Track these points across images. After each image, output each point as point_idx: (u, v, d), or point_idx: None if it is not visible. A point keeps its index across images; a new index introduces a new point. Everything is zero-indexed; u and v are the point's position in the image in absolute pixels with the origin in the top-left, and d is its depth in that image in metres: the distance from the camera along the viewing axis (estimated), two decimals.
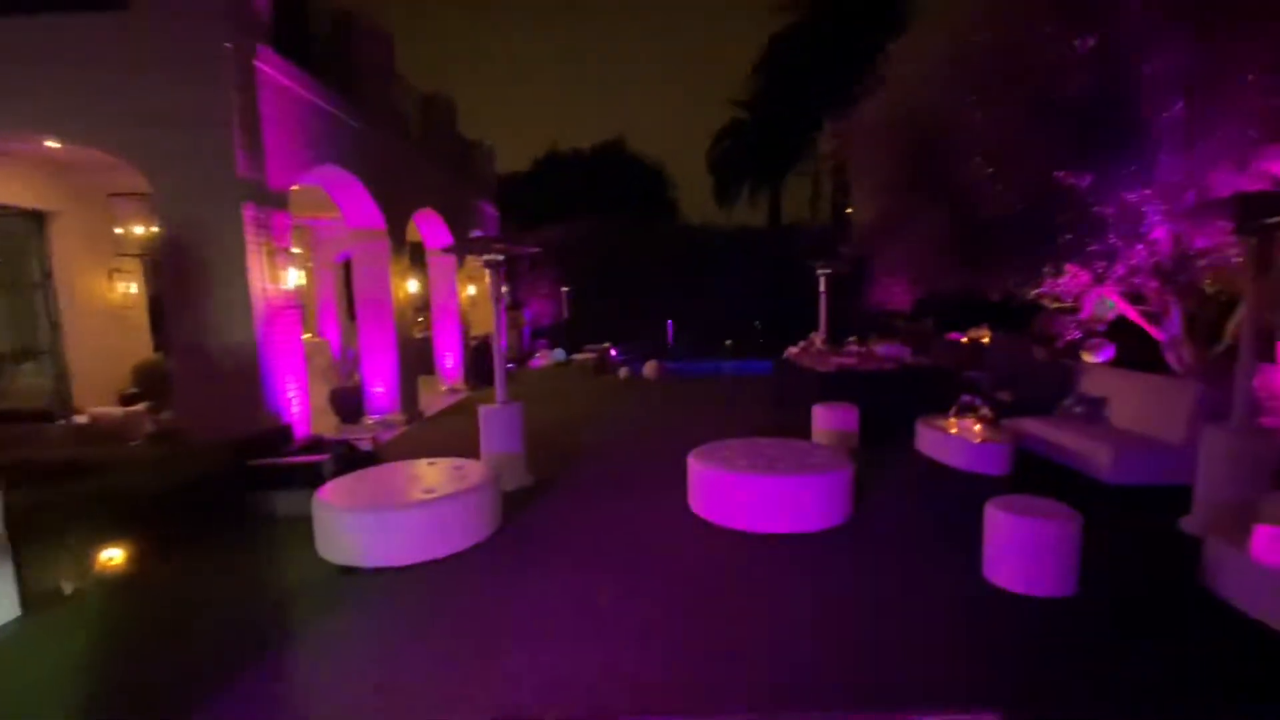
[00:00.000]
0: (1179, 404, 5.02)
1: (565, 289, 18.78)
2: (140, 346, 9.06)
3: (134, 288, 8.99)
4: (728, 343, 19.18)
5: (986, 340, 10.39)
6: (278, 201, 6.16)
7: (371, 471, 5.01)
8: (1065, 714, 2.59)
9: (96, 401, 7.71)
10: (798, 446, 5.18)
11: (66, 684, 2.98)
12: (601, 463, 6.68)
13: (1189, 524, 4.40)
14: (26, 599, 3.65)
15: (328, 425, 8.32)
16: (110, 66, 5.36)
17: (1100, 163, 6.24)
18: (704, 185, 30.80)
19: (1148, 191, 6.14)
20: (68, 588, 3.89)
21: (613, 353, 16.75)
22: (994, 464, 5.47)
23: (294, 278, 6.23)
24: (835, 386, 7.25)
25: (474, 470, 4.88)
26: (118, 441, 5.87)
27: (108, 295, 8.56)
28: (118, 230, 7.77)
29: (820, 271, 9.97)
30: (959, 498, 5.05)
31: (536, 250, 6.47)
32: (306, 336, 11.09)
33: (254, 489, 5.23)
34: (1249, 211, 4.10)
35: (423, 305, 13.04)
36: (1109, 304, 7.65)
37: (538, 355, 16.94)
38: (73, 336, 8.06)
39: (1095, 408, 5.81)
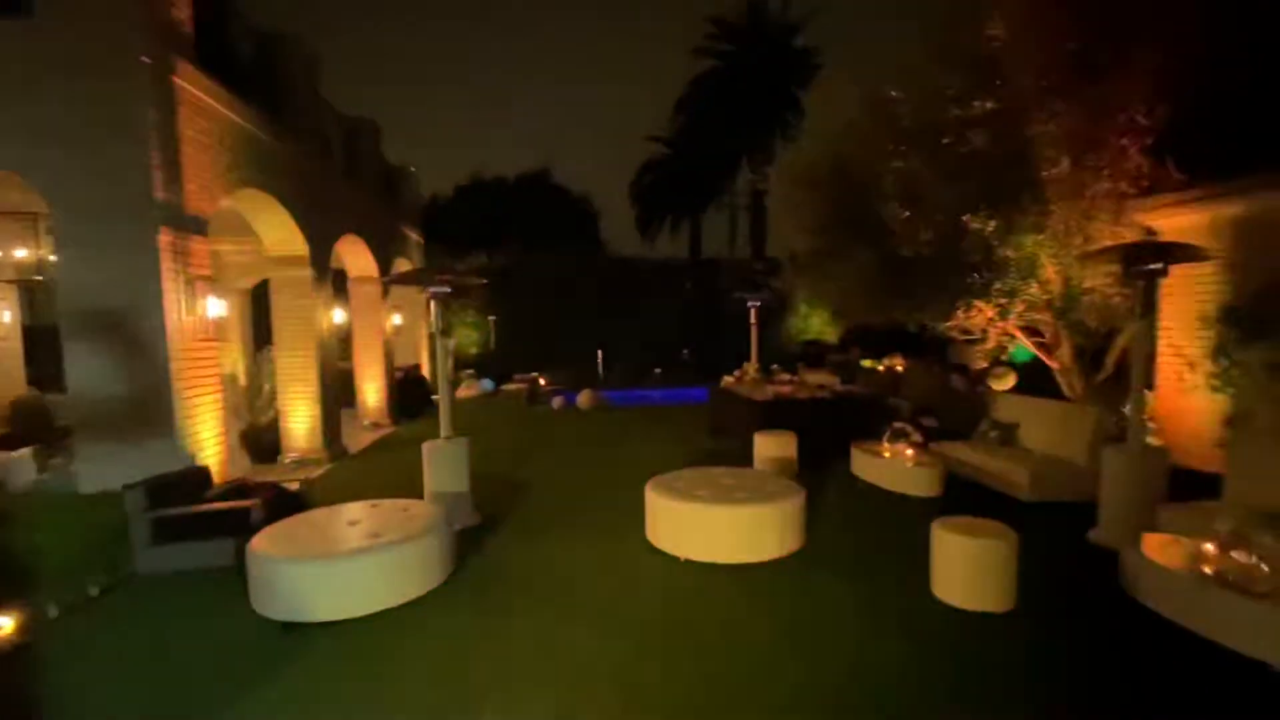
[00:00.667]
0: (1082, 428, 5.60)
1: (492, 318, 18.44)
2: (13, 384, 8.04)
3: (7, 316, 8.02)
4: (656, 371, 19.48)
5: (901, 368, 11.16)
6: (196, 226, 5.74)
7: (310, 515, 4.67)
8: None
9: None
10: (752, 475, 5.32)
11: None
12: (549, 497, 6.55)
13: (1097, 535, 4.87)
14: None
15: (240, 467, 7.67)
16: (9, 77, 4.84)
17: (1001, 210, 6.94)
18: (628, 217, 31.52)
19: (1041, 236, 6.89)
20: None
21: (541, 382, 16.55)
22: (925, 486, 5.84)
23: (215, 308, 5.78)
24: (773, 414, 7.52)
25: (423, 511, 4.66)
26: None
27: None
28: (20, 253, 6.93)
29: (750, 304, 10.37)
30: (899, 519, 5.36)
31: (484, 282, 6.34)
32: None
33: (168, 541, 4.73)
34: (1134, 259, 4.69)
35: (343, 335, 12.39)
36: (1022, 349, 8.43)
37: (464, 385, 16.43)
38: None
39: (1008, 432, 6.36)
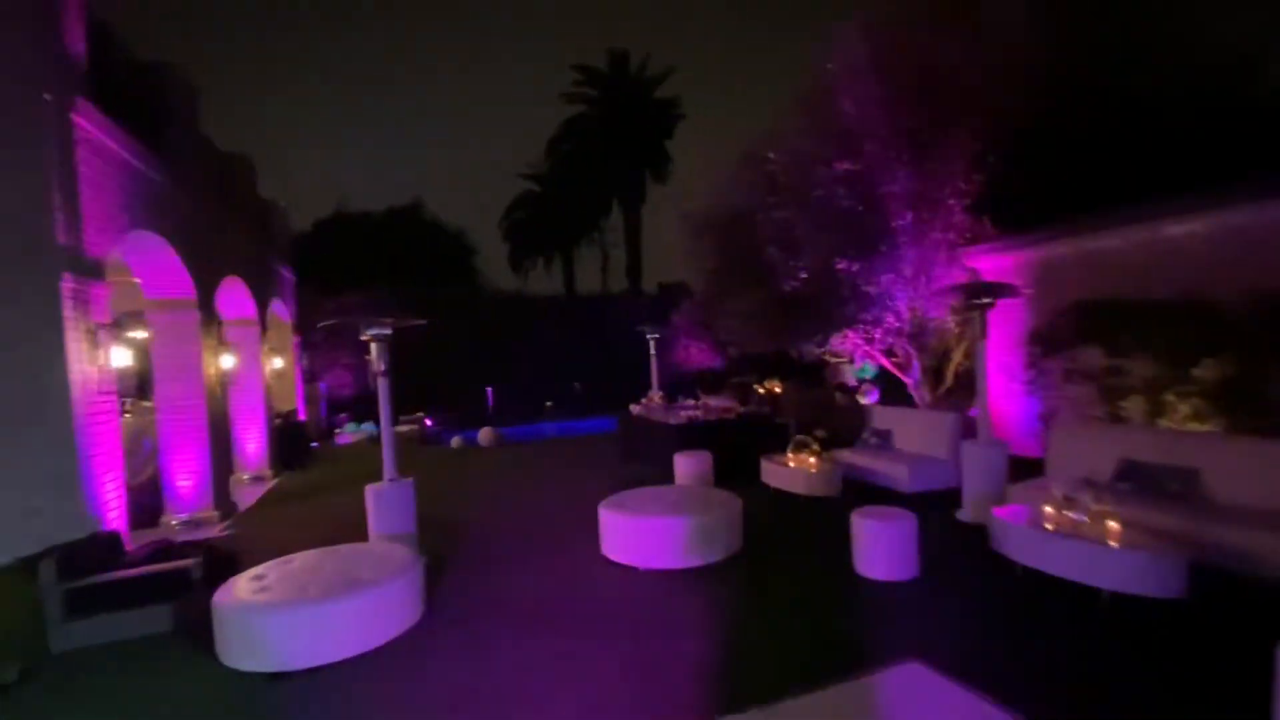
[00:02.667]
0: (943, 430, 6.91)
1: (367, 357, 17.59)
2: None
3: None
4: (548, 404, 19.63)
5: (779, 390, 12.51)
6: (95, 271, 5.31)
7: (264, 568, 4.50)
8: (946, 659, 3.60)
9: None
10: (694, 491, 5.93)
11: None
12: (486, 534, 6.66)
13: (962, 515, 6.08)
14: None
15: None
16: None
17: (863, 254, 8.33)
18: (500, 252, 31.55)
19: (893, 276, 8.36)
20: None
21: (428, 422, 16.08)
22: (827, 487, 6.82)
23: (117, 357, 5.34)
24: (688, 436, 8.24)
25: (387, 551, 4.70)
26: None
27: None
28: None
29: (649, 336, 11.14)
30: (812, 516, 6.26)
31: (424, 322, 6.43)
32: None
33: (87, 614, 4.31)
34: (971, 295, 6.04)
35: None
36: (868, 367, 9.96)
37: (343, 431, 15.51)
38: None
39: (885, 438, 7.59)
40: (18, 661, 3.93)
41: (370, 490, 5.58)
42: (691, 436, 8.23)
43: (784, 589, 4.67)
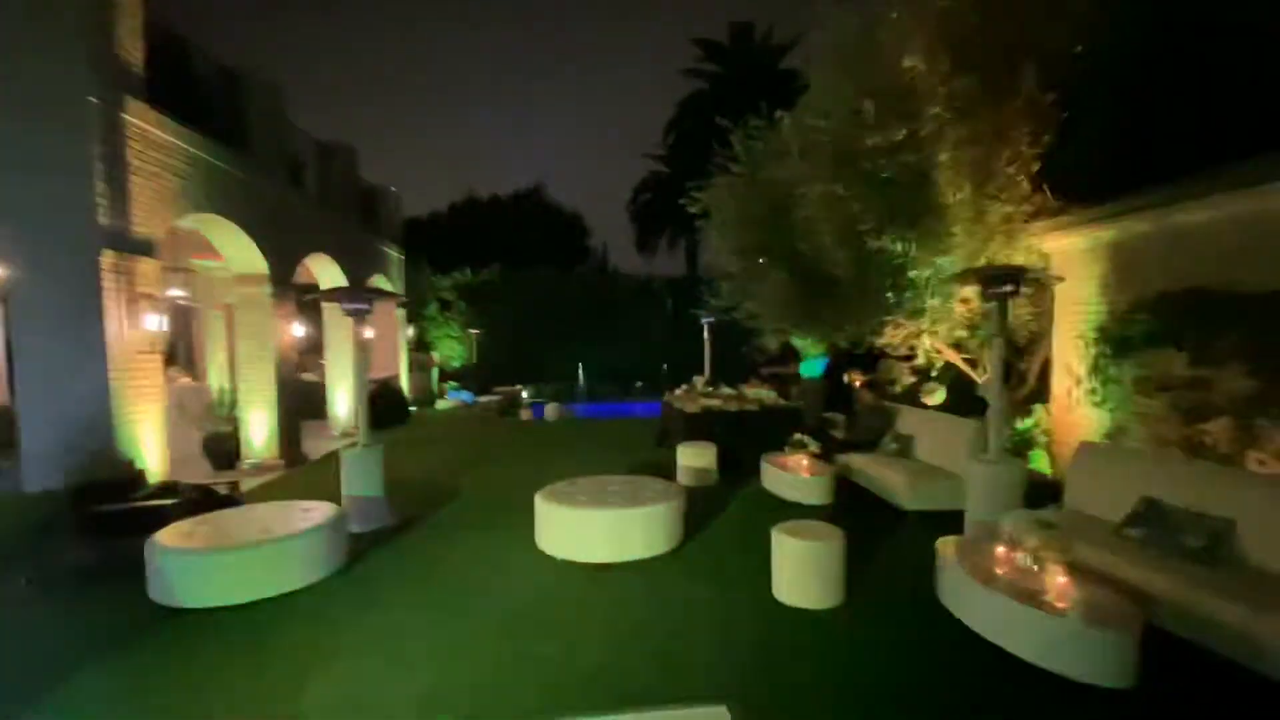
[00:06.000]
0: (959, 440, 5.85)
1: (474, 332, 18.94)
2: None
3: None
4: (638, 385, 19.83)
5: (859, 383, 11.40)
6: (142, 248, 6.23)
7: (218, 515, 5.07)
8: (794, 708, 3.07)
9: None
10: (637, 482, 5.64)
11: None
12: (471, 502, 6.90)
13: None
14: None
15: (200, 471, 8.14)
16: None
17: (920, 229, 7.23)
18: (630, 233, 32.06)
19: (952, 258, 7.16)
20: None
21: (524, 395, 17.00)
22: (817, 495, 6.11)
23: (155, 323, 6.25)
24: (698, 426, 7.83)
25: (322, 512, 5.04)
26: None
27: None
28: None
29: (704, 320, 10.73)
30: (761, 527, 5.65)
31: (403, 298, 6.76)
32: (185, 381, 10.78)
33: (97, 537, 5.16)
34: (987, 283, 4.99)
35: (309, 349, 12.95)
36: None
37: (446, 397, 16.92)
38: None
39: (906, 445, 6.61)
40: (27, 570, 4.82)
41: (343, 454, 6.02)
42: (702, 426, 7.81)
43: (685, 601, 4.28)
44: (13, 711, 3.11)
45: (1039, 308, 7.30)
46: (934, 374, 8.57)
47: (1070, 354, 6.32)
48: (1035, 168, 6.41)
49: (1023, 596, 3.23)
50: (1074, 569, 3.31)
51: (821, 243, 7.90)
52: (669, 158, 28.66)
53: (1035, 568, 3.40)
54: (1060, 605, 3.15)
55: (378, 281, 13.89)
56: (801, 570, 4.06)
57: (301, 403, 9.94)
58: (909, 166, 7.23)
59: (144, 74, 6.34)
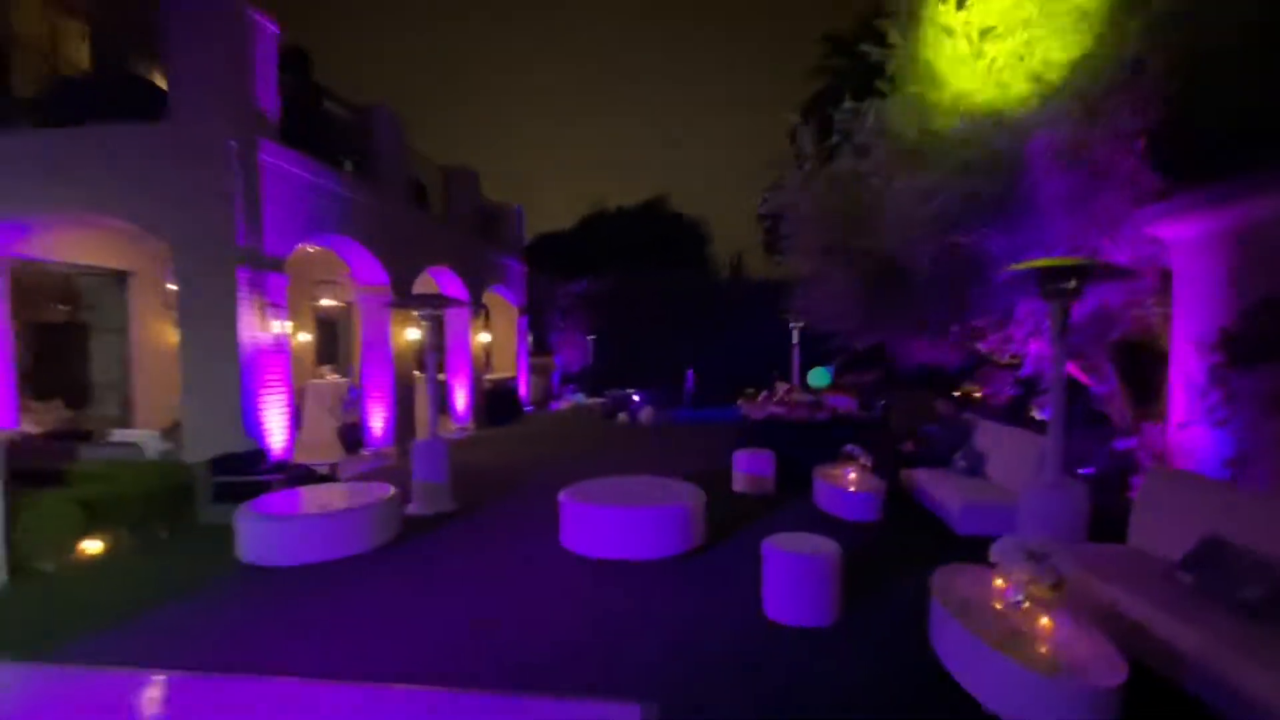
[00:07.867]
0: (1027, 458, 5.13)
1: (591, 336, 19.82)
2: None
3: None
4: (749, 391, 19.46)
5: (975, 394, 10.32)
6: (272, 265, 7.47)
7: (301, 491, 5.95)
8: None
9: (154, 424, 9.21)
10: (660, 484, 5.67)
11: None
12: (526, 497, 7.30)
13: None
14: (13, 571, 4.77)
15: (336, 454, 9.49)
16: (145, 163, 6.90)
17: (1003, 227, 6.50)
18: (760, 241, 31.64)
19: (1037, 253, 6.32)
20: (48, 566, 5.00)
21: (635, 398, 17.47)
22: (864, 511, 5.69)
23: (280, 327, 7.46)
24: (759, 433, 7.62)
25: (379, 495, 5.71)
26: (129, 457, 7.14)
27: (169, 339, 10.26)
28: (171, 287, 9.44)
29: (792, 326, 10.37)
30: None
31: (473, 305, 7.39)
32: (331, 378, 12.53)
33: (226, 501, 6.30)
34: (1047, 280, 4.37)
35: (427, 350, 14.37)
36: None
37: (561, 399, 17.92)
38: (139, 373, 9.78)
39: (977, 462, 5.91)
40: (168, 525, 6.03)
41: (415, 444, 6.74)
42: (763, 434, 7.58)
43: (677, 596, 4.28)
44: (105, 628, 3.97)
45: (1163, 307, 6.18)
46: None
47: (1189, 362, 5.28)
48: (1140, 145, 5.45)
49: (1002, 635, 2.85)
50: (1060, 607, 2.84)
51: (900, 238, 7.33)
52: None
53: (1024, 603, 2.97)
54: (1040, 650, 2.74)
55: (496, 293, 15.14)
56: (788, 584, 3.88)
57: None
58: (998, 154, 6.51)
59: (278, 119, 7.62)
